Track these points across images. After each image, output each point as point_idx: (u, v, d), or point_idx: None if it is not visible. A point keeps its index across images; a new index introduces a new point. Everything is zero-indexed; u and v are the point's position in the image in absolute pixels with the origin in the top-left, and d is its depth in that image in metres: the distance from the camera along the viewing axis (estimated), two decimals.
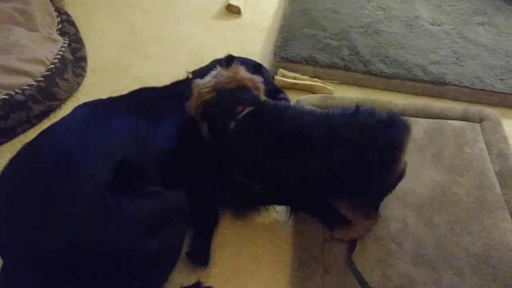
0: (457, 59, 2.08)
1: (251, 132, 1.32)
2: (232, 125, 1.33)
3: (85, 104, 1.41)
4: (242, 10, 2.38)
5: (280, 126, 1.30)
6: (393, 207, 1.48)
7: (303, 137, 1.25)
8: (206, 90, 1.39)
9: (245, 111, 1.34)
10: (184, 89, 1.51)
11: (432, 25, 2.27)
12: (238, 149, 1.36)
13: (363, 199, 1.32)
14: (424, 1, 2.44)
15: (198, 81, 1.43)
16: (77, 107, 1.38)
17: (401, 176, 1.33)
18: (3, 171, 1.18)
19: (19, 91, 1.71)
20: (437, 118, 1.80)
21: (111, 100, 1.48)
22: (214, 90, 1.39)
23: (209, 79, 1.42)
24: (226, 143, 1.37)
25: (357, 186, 1.27)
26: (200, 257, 1.42)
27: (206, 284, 1.35)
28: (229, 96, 1.37)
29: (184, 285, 1.32)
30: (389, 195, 1.38)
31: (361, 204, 1.34)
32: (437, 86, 1.97)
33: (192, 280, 1.35)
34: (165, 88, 1.63)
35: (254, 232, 1.49)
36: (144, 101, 1.50)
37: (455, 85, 1.96)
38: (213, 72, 1.43)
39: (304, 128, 1.26)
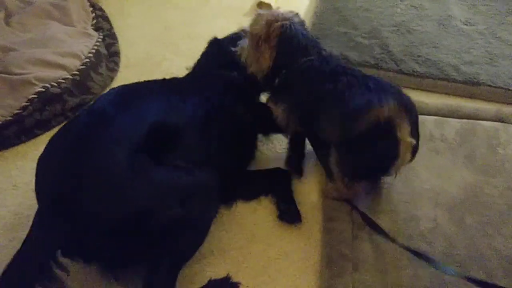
0: (490, 59, 2.05)
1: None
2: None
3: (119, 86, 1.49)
4: (273, 7, 2.39)
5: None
6: (424, 206, 1.47)
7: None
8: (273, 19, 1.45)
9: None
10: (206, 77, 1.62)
11: (466, 24, 2.24)
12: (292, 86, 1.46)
13: (346, 158, 1.36)
14: (457, 0, 2.41)
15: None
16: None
17: (394, 155, 1.30)
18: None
19: (55, 84, 1.75)
20: (469, 119, 1.78)
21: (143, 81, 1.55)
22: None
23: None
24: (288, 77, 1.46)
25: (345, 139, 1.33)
26: (292, 215, 1.50)
27: (235, 280, 1.36)
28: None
29: (213, 278, 1.34)
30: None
31: (343, 164, 1.38)
32: (470, 86, 1.94)
33: (222, 274, 1.36)
34: (188, 75, 1.69)
35: (283, 228, 1.49)
36: (173, 82, 1.57)
37: (489, 85, 1.93)
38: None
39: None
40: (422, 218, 1.45)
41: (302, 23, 1.51)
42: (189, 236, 1.28)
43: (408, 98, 1.34)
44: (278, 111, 1.50)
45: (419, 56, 2.04)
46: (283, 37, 1.44)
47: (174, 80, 1.60)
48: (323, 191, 1.57)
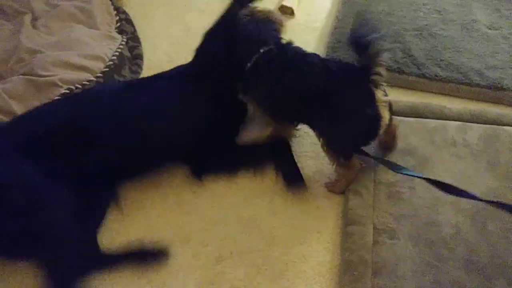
0: None
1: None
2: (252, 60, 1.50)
3: None
4: (295, 11, 2.39)
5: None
6: (445, 212, 1.46)
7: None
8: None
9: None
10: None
11: (490, 29, 2.21)
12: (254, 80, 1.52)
13: (329, 137, 1.45)
14: (481, 4, 2.38)
15: None
16: None
17: (375, 119, 1.38)
18: None
19: (79, 86, 1.78)
20: (493, 124, 1.75)
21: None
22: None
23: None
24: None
25: (322, 117, 1.43)
26: (296, 177, 1.60)
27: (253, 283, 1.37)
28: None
29: None
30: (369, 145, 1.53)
31: (330, 143, 1.46)
32: (493, 91, 1.91)
33: (241, 276, 1.37)
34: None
35: (302, 232, 1.49)
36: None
37: None
38: None
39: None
40: (443, 223, 1.44)
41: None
42: None
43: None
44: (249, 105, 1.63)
45: (441, 60, 2.02)
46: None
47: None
48: (327, 188, 1.60)
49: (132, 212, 1.54)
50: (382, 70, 1.35)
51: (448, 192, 1.30)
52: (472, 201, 1.48)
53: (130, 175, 1.59)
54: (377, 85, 1.36)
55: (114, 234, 1.48)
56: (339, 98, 1.38)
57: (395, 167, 1.41)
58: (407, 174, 1.42)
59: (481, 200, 1.29)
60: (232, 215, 1.54)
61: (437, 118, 1.76)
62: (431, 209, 1.47)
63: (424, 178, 1.34)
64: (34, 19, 2.08)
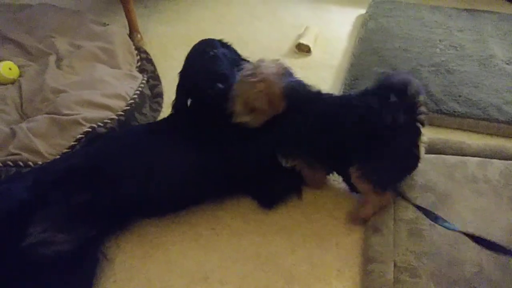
0: None
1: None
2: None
3: None
4: (312, 49, 2.43)
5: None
6: (468, 250, 1.43)
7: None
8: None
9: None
10: None
11: (508, 64, 2.22)
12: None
13: (371, 168, 1.44)
14: (498, 40, 2.39)
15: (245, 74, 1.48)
16: None
17: (416, 158, 1.42)
18: None
19: (101, 124, 1.81)
20: None
21: None
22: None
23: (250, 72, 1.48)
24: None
25: (367, 152, 1.42)
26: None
27: None
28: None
29: None
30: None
31: (370, 175, 1.45)
32: None
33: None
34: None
35: (321, 269, 1.47)
36: None
37: None
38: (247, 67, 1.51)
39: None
40: (466, 262, 1.41)
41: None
42: None
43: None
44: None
45: (459, 96, 2.02)
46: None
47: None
48: (352, 217, 1.60)
49: (152, 249, 1.55)
50: (425, 109, 1.38)
51: (491, 249, 1.26)
52: (494, 238, 1.46)
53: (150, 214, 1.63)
54: (423, 124, 1.39)
55: (134, 271, 1.48)
56: (387, 135, 1.39)
57: (433, 217, 1.38)
58: (446, 227, 1.38)
59: None
60: (251, 252, 1.53)
61: (457, 154, 1.75)
62: (453, 246, 1.45)
63: (466, 234, 1.29)
64: (59, 60, 2.15)
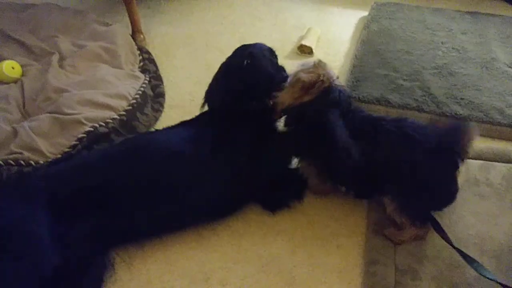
0: None
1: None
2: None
3: None
4: (314, 50, 2.43)
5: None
6: (469, 253, 1.42)
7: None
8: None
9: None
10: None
11: (510, 67, 2.21)
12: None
13: (409, 201, 1.41)
14: (500, 43, 2.39)
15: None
16: None
17: (454, 191, 1.40)
18: None
19: (103, 124, 1.82)
20: None
21: None
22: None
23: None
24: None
25: (405, 185, 1.39)
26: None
27: None
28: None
29: None
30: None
31: (406, 207, 1.42)
32: None
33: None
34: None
35: (322, 271, 1.47)
36: None
37: None
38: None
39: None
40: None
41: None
42: None
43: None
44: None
45: (462, 98, 2.02)
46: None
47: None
48: (388, 234, 1.52)
49: (152, 249, 1.54)
50: (469, 149, 1.37)
51: None
52: (496, 241, 1.46)
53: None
54: (463, 161, 1.37)
55: (134, 271, 1.48)
56: (427, 170, 1.36)
57: (473, 264, 1.34)
58: (484, 276, 1.31)
59: None
60: (252, 253, 1.53)
61: None
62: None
63: (503, 284, 1.26)
64: (61, 59, 2.15)
